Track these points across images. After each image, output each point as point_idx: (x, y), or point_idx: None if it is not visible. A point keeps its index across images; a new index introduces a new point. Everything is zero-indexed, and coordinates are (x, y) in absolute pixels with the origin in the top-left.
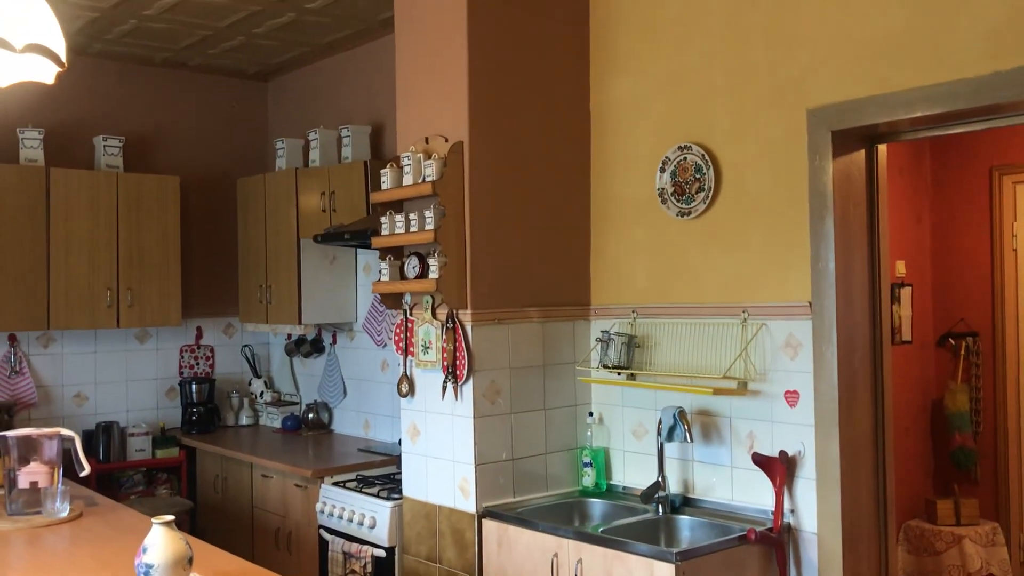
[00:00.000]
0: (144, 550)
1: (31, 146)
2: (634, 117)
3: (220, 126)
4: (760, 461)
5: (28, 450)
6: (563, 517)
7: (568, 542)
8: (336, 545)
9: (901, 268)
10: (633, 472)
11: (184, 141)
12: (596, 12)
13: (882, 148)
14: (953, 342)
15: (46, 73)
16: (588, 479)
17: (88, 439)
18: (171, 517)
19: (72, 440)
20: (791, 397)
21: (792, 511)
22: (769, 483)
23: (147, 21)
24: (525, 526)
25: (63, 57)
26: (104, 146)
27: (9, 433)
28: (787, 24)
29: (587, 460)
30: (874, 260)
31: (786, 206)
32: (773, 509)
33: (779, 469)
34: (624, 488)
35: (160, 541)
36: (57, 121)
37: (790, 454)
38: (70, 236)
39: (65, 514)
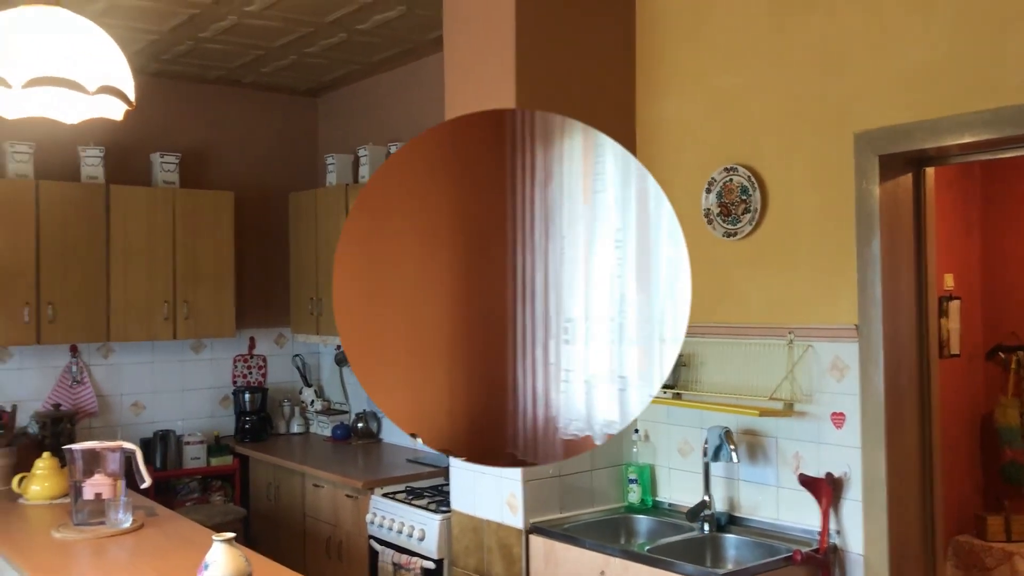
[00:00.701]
0: (206, 566)
1: (92, 164)
2: (680, 137)
3: (272, 142)
4: (806, 482)
5: (92, 462)
6: (609, 533)
7: (615, 560)
8: (386, 556)
9: (949, 281)
10: (679, 489)
11: (237, 157)
12: (643, 31)
13: (930, 171)
14: (1003, 355)
15: (115, 111)
16: (634, 495)
17: (145, 447)
18: (232, 534)
19: (133, 453)
20: (837, 419)
21: (838, 532)
22: (815, 503)
23: (203, 42)
24: (572, 543)
25: (132, 97)
26: (161, 163)
27: (75, 446)
28: (835, 48)
29: (633, 477)
30: (921, 279)
31: (833, 229)
32: (819, 530)
33: (825, 490)
34: (670, 505)
35: (222, 558)
36: (116, 139)
37: (836, 475)
38: (129, 250)
39: (128, 525)
